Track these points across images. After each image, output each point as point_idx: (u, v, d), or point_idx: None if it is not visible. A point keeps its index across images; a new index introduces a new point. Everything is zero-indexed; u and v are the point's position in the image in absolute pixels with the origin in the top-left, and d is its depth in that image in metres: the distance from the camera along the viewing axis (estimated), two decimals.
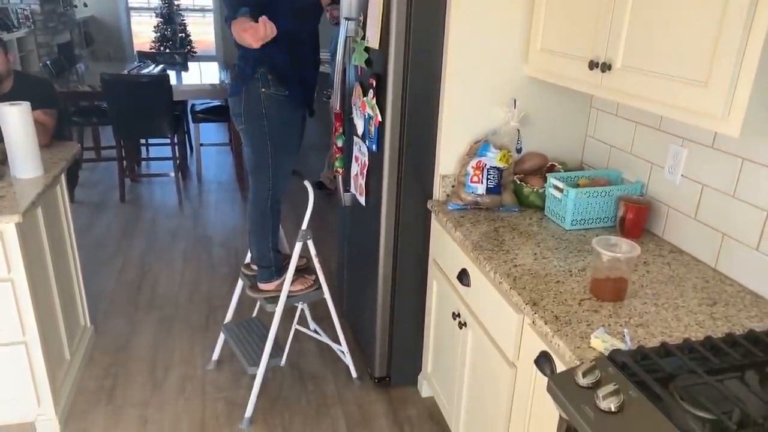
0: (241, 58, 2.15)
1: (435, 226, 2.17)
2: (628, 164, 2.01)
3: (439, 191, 2.16)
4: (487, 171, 2.02)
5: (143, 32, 9.79)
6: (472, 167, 2.03)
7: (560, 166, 2.11)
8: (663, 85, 1.39)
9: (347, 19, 2.38)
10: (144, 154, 5.97)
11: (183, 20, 9.72)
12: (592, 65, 1.62)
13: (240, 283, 2.59)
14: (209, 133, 6.66)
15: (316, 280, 2.44)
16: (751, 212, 1.53)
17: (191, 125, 5.82)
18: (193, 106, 5.65)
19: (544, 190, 2.02)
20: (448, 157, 2.13)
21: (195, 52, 9.59)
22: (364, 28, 2.23)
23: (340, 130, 2.49)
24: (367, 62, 2.24)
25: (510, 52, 2.02)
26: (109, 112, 4.70)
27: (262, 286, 2.38)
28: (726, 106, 1.23)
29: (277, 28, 1.85)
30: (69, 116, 4.89)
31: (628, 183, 1.97)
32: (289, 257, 2.35)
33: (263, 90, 2.10)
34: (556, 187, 1.92)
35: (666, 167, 1.82)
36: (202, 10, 10.06)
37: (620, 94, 1.57)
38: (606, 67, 1.58)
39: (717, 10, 1.23)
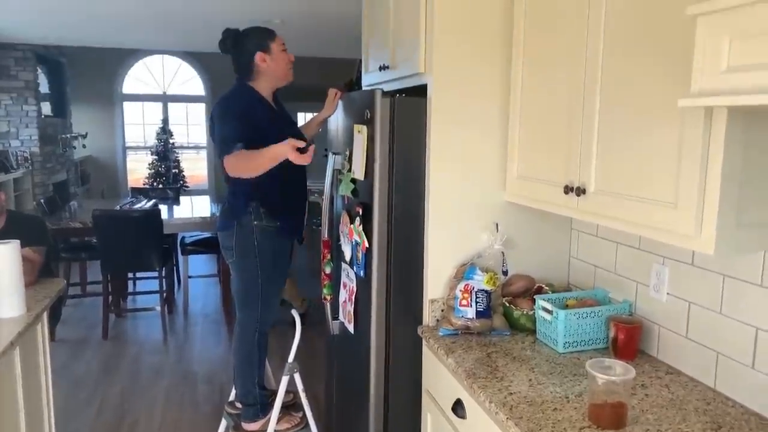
0: (232, 193, 2.23)
1: (426, 353, 2.12)
2: (614, 283, 2.03)
3: (428, 316, 2.14)
4: (476, 294, 2.02)
5: (138, 169, 10.18)
6: (461, 290, 2.03)
7: (547, 288, 2.12)
8: (636, 206, 1.46)
9: (334, 153, 2.51)
10: (131, 288, 5.92)
11: (177, 157, 10.18)
12: (567, 190, 1.70)
13: (223, 423, 2.45)
14: (198, 264, 6.68)
15: (304, 417, 2.32)
16: (740, 329, 1.52)
17: (180, 257, 5.85)
18: (183, 238, 5.73)
19: (534, 313, 2.01)
20: (436, 281, 2.13)
21: (187, 187, 9.92)
22: (350, 161, 2.35)
23: (329, 257, 2.51)
24: (354, 192, 2.33)
25: (489, 178, 2.12)
26: (98, 246, 4.74)
27: (246, 426, 2.26)
28: (697, 226, 1.28)
29: None
30: (58, 252, 4.91)
31: (616, 302, 1.98)
32: (275, 393, 2.25)
33: (255, 223, 2.15)
34: (546, 309, 1.91)
35: (651, 286, 1.84)
36: (196, 147, 10.58)
37: (597, 217, 1.63)
38: (580, 191, 1.65)
39: (675, 135, 1.33)
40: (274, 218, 2.16)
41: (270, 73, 2.32)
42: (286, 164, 2.19)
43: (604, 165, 1.58)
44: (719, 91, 1.06)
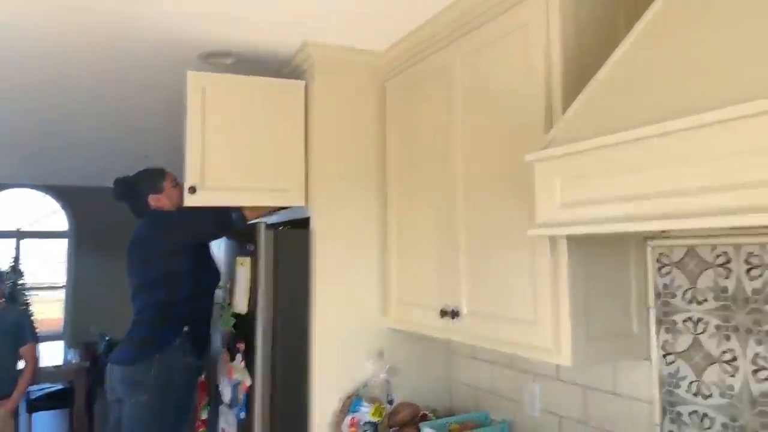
0: (161, 319, 2.11)
1: None
2: (493, 404, 2.11)
3: None
4: (363, 427, 1.99)
5: None
6: (347, 425, 1.99)
7: (431, 414, 2.14)
8: (503, 326, 1.60)
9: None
10: None
11: (26, 300, 9.15)
12: (443, 313, 1.82)
13: None
14: (43, 425, 5.77)
15: None
16: None
17: (22, 417, 5.03)
18: (27, 393, 4.98)
19: None
20: (322, 417, 2.07)
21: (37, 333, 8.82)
22: (231, 294, 2.32)
23: (206, 400, 2.35)
24: (235, 327, 2.27)
25: (372, 306, 2.20)
26: None
27: None
28: (555, 340, 1.43)
29: (204, 283, 1.95)
30: None
31: (495, 423, 2.04)
32: None
33: (180, 357, 2.04)
34: None
35: (526, 403, 1.95)
36: (52, 287, 9.62)
37: (471, 337, 1.74)
38: (455, 314, 1.78)
39: (529, 260, 1.52)
40: (198, 354, 2.08)
41: (166, 207, 2.33)
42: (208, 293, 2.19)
43: (473, 289, 1.73)
44: (557, 222, 1.27)
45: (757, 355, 1.30)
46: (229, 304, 2.32)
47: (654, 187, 1.06)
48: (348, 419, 1.99)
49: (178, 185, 2.33)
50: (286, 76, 2.35)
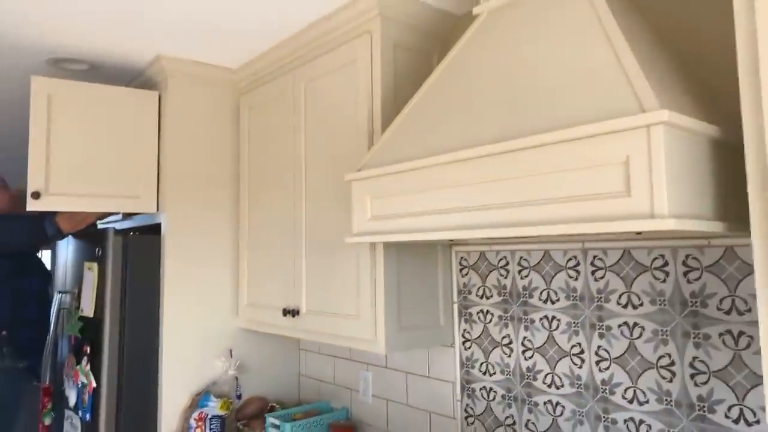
0: None
1: None
2: (334, 394, 2.33)
3: None
4: (210, 421, 2.11)
5: None
6: (195, 419, 2.10)
7: (278, 406, 2.31)
8: (336, 321, 1.81)
9: (61, 292, 2.44)
10: None
11: None
12: (285, 312, 2.00)
13: None
14: None
15: None
16: (420, 414, 1.93)
17: None
18: None
19: (265, 431, 2.17)
20: (170, 415, 2.16)
21: None
22: (78, 299, 2.32)
23: (49, 406, 2.33)
24: (81, 331, 2.27)
25: (223, 307, 2.32)
26: None
27: None
28: (373, 332, 1.67)
29: (28, 287, 1.91)
30: None
31: (335, 410, 2.26)
32: None
33: None
34: (274, 425, 2.09)
35: (360, 391, 2.19)
36: None
37: (310, 333, 1.94)
38: (295, 312, 1.97)
39: (354, 263, 1.75)
40: (21, 358, 2.02)
41: None
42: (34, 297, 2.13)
43: (311, 289, 1.93)
44: (369, 232, 1.51)
45: (525, 338, 1.63)
46: (77, 309, 2.32)
47: (442, 204, 1.31)
48: (196, 414, 2.10)
49: (4, 188, 2.29)
50: (141, 84, 2.40)
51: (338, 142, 1.86)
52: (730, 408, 1.22)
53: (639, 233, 1.26)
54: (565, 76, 1.14)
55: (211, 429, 2.10)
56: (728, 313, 1.23)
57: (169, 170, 2.23)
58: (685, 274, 1.31)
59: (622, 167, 0.97)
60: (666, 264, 1.34)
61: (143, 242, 2.21)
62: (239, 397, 2.29)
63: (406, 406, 1.99)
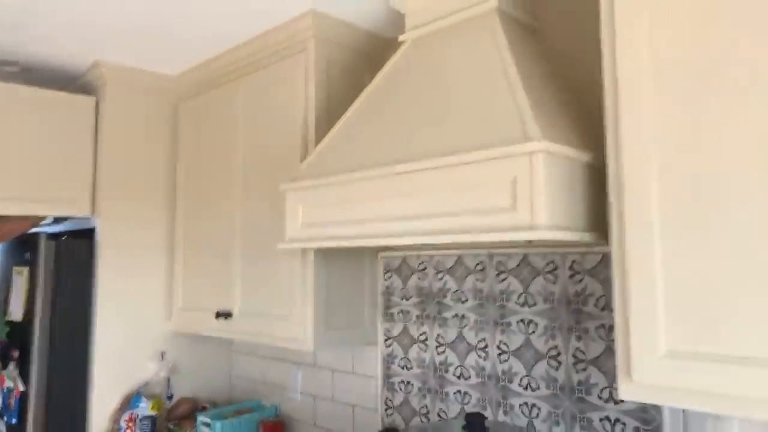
0: None
1: None
2: (265, 393, 2.43)
3: None
4: (141, 422, 2.16)
5: None
6: (125, 421, 2.15)
7: (209, 406, 2.39)
8: (267, 322, 1.93)
9: None
10: None
11: None
12: (218, 315, 2.10)
13: None
14: None
15: None
16: (344, 409, 2.08)
17: None
18: None
19: (196, 430, 2.24)
20: (100, 417, 2.19)
21: None
22: (6, 303, 2.31)
23: None
24: (9, 335, 2.27)
25: (156, 312, 2.38)
26: None
27: None
28: (303, 331, 1.81)
29: None
30: None
31: (266, 408, 2.37)
32: None
33: None
34: (205, 424, 2.18)
35: (290, 388, 2.31)
36: None
37: (242, 334, 2.05)
38: (228, 315, 2.07)
39: (287, 268, 1.88)
40: None
41: None
42: None
43: (245, 292, 2.04)
44: (300, 239, 1.64)
45: (438, 335, 1.82)
46: (5, 313, 2.31)
47: (365, 214, 1.47)
48: (126, 415, 2.15)
49: None
50: (78, 89, 2.43)
51: (274, 153, 1.99)
52: (602, 390, 1.45)
53: (530, 242, 1.47)
54: (470, 105, 1.34)
55: (141, 429, 2.16)
56: (603, 310, 1.46)
57: (105, 174, 2.27)
58: (571, 276, 1.53)
59: (510, 186, 1.16)
60: (556, 268, 1.56)
61: (76, 246, 2.24)
62: (170, 398, 2.36)
63: (332, 402, 2.13)
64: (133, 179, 2.35)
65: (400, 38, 1.68)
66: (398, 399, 1.91)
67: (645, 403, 1.36)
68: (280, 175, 1.95)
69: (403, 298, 1.94)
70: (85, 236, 2.29)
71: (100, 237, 2.25)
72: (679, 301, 1.00)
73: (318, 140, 1.87)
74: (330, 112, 1.92)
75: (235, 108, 2.17)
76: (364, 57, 2.05)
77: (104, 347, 2.23)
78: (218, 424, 2.13)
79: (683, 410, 1.32)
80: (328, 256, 1.86)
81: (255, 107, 2.09)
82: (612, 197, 1.10)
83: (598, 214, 1.29)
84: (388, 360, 1.96)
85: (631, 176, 1.07)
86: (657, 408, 1.36)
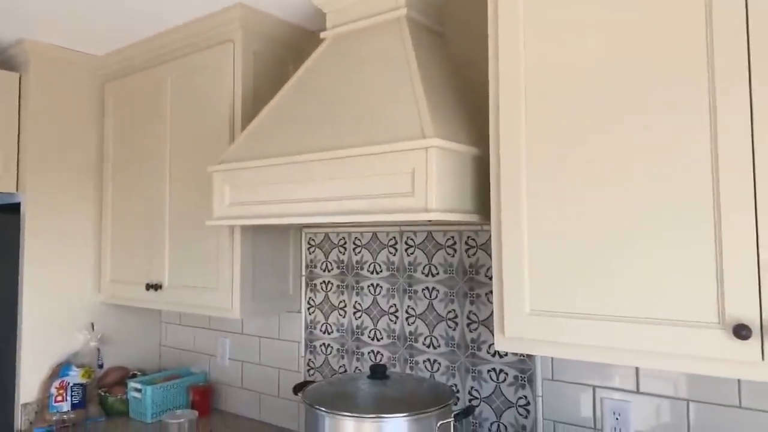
0: None
1: None
2: (194, 360, 2.58)
3: (21, 420, 2.23)
4: (71, 389, 2.25)
5: None
6: (56, 387, 2.23)
7: (140, 373, 2.51)
8: (196, 293, 2.08)
9: None
10: None
11: None
12: (148, 287, 2.21)
13: None
14: None
15: None
16: (272, 372, 2.27)
17: None
18: None
19: (127, 396, 2.36)
20: (29, 386, 2.26)
21: None
22: None
23: None
24: None
25: (85, 284, 2.45)
26: None
27: None
28: (230, 301, 1.97)
29: None
30: None
31: (195, 374, 2.52)
32: None
33: None
34: (135, 389, 2.30)
35: (218, 356, 2.47)
36: None
37: (172, 305, 2.18)
38: (158, 287, 2.19)
39: (215, 242, 2.03)
40: None
41: None
42: None
43: (174, 265, 2.17)
44: (227, 216, 1.80)
45: (356, 302, 2.04)
46: None
47: (286, 195, 1.64)
48: (57, 382, 2.24)
49: None
50: (1, 65, 2.41)
51: (202, 135, 2.11)
52: (489, 346, 1.73)
53: (430, 221, 1.70)
54: (378, 102, 1.53)
55: (72, 396, 2.25)
56: (491, 278, 1.73)
57: (30, 150, 2.30)
58: (467, 250, 1.78)
59: (410, 175, 1.38)
60: (455, 243, 1.81)
61: (1, 221, 2.27)
62: (101, 366, 2.45)
63: (259, 366, 2.31)
64: (60, 155, 2.38)
65: (322, 35, 1.84)
66: (319, 360, 2.13)
67: (522, 355, 1.64)
68: (208, 157, 2.07)
69: (325, 270, 2.13)
70: (11, 211, 2.32)
71: (26, 212, 2.28)
72: (540, 268, 1.26)
73: (244, 126, 2.01)
74: (256, 100, 2.05)
75: (164, 90, 2.25)
76: (290, 49, 2.19)
77: (32, 319, 2.28)
78: (149, 389, 2.26)
79: (551, 359, 1.61)
80: (254, 231, 2.03)
81: (183, 91, 2.18)
82: (492, 184, 1.34)
83: (484, 198, 1.53)
84: (311, 326, 2.16)
85: (506, 166, 1.31)
86: (532, 359, 1.64)
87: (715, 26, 1.07)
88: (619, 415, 1.49)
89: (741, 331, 1.01)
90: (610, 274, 1.17)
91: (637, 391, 1.47)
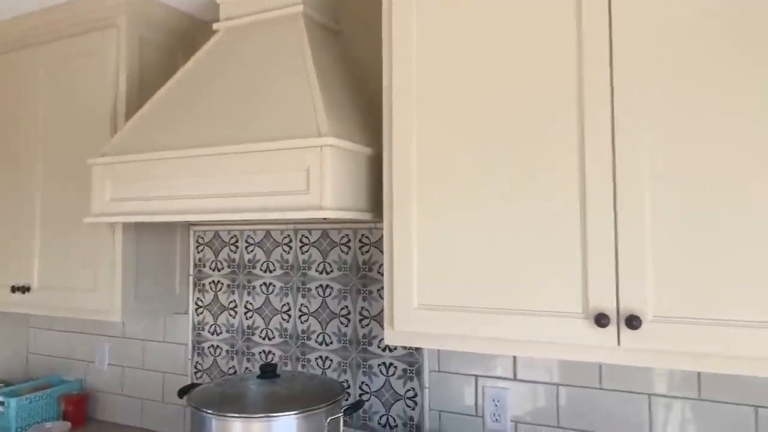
0: None
1: None
2: (68, 367, 2.38)
3: None
4: None
5: None
6: None
7: (2, 385, 2.27)
8: (71, 295, 1.92)
9: None
10: None
11: None
12: (14, 289, 2.01)
13: None
14: None
15: None
16: (155, 375, 2.16)
17: None
18: None
19: None
20: None
21: None
22: None
23: None
24: None
25: None
26: None
27: None
28: (111, 302, 1.85)
29: None
30: None
31: (68, 383, 2.33)
32: None
33: None
34: None
35: (96, 361, 2.30)
36: None
37: (42, 309, 1.99)
38: (25, 289, 2.00)
39: (94, 241, 1.89)
40: None
41: None
42: None
43: (44, 265, 1.99)
44: (107, 213, 1.68)
45: (247, 302, 2.00)
46: None
47: (172, 191, 1.56)
48: None
49: None
50: None
51: (80, 126, 1.96)
52: (380, 341, 1.77)
53: (326, 219, 1.71)
54: (273, 98, 1.52)
55: None
56: (383, 275, 1.77)
57: None
58: (360, 248, 1.82)
59: (305, 173, 1.38)
60: (349, 241, 1.84)
61: None
62: None
63: (142, 370, 2.19)
64: None
65: (215, 26, 1.78)
66: (207, 362, 2.06)
67: (410, 349, 1.71)
68: (87, 148, 1.93)
69: (214, 270, 2.07)
70: None
71: None
72: (428, 265, 1.32)
73: (129, 116, 1.89)
74: (143, 88, 1.95)
75: (37, 74, 2.06)
76: (178, 36, 2.10)
77: None
78: (12, 402, 2.06)
79: (438, 351, 1.69)
80: (138, 228, 1.92)
81: (59, 76, 2.01)
82: (385, 183, 1.39)
83: (377, 197, 1.57)
84: (199, 327, 2.09)
85: (398, 167, 1.35)
86: (420, 352, 1.71)
87: (584, 25, 1.19)
88: (498, 401, 1.60)
89: (601, 320, 1.13)
90: (492, 271, 1.25)
91: (515, 379, 1.59)
